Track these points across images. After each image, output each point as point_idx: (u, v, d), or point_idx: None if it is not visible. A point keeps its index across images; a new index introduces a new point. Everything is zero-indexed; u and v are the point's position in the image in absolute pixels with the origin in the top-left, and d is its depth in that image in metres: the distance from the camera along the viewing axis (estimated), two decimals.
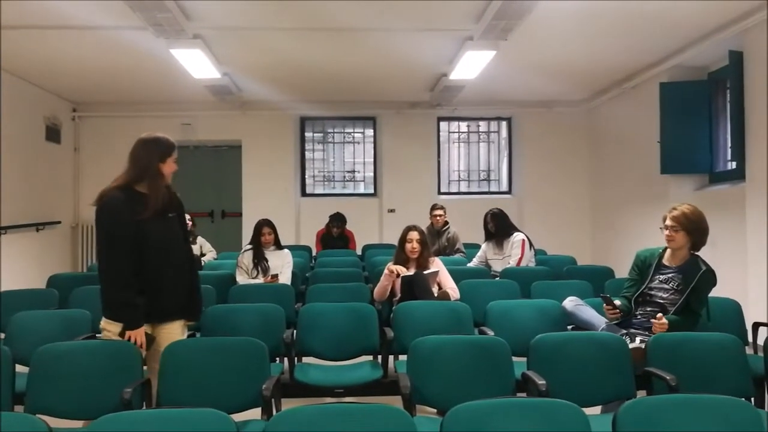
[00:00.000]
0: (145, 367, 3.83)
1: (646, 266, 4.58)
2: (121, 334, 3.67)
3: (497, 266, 7.29)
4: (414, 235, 5.80)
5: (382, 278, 5.67)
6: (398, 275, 5.55)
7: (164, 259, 3.77)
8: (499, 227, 7.52)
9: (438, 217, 8.45)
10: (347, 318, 5.05)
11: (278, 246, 6.87)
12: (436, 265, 5.86)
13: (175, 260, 3.86)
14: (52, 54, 7.99)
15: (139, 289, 3.67)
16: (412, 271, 5.62)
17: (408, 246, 5.77)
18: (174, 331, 3.90)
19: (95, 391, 3.57)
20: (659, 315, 4.23)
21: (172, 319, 3.90)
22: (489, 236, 7.67)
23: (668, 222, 4.41)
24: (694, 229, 4.37)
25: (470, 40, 7.39)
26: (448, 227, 8.48)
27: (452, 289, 5.71)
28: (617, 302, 4.51)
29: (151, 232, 3.69)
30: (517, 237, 7.38)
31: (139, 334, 3.68)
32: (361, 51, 8.10)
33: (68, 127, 10.63)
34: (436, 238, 8.31)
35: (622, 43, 7.75)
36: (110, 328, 3.70)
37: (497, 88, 10.11)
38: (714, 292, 4.50)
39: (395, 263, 5.75)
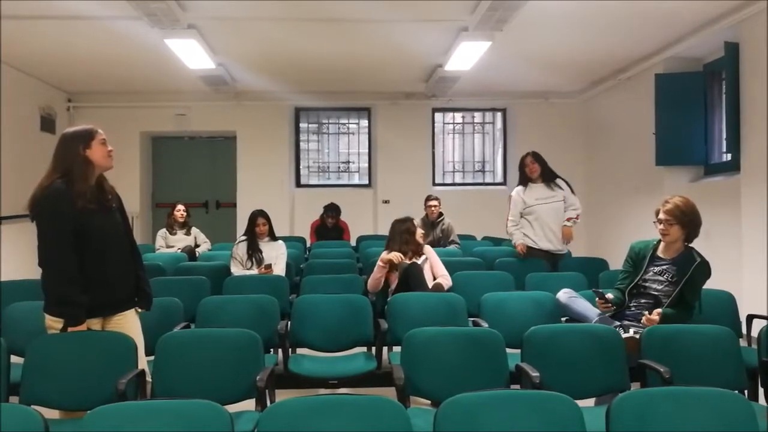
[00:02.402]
0: None
1: (640, 258, 4.58)
2: (63, 329, 3.59)
3: (545, 212, 6.73)
4: (417, 222, 5.86)
5: (375, 270, 5.67)
6: (396, 265, 5.54)
7: (108, 252, 3.67)
8: (544, 169, 6.86)
9: (433, 208, 8.45)
10: (341, 309, 5.05)
11: (273, 237, 6.86)
12: (426, 252, 5.88)
13: (119, 252, 3.76)
14: (47, 44, 7.96)
15: (83, 285, 3.55)
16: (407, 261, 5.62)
17: (418, 231, 5.84)
18: (126, 322, 3.82)
19: (90, 382, 3.55)
20: (654, 312, 4.24)
21: (121, 310, 3.81)
22: (526, 181, 6.89)
23: (662, 216, 4.41)
24: (689, 222, 4.37)
25: (465, 31, 7.39)
26: (443, 218, 8.49)
27: (444, 276, 5.75)
28: (609, 295, 4.52)
29: (93, 224, 3.59)
30: (562, 183, 6.89)
31: (81, 330, 3.60)
32: (356, 41, 8.08)
33: (63, 117, 10.56)
34: (430, 230, 8.31)
35: (618, 34, 7.75)
36: (54, 325, 3.62)
37: (492, 79, 10.11)
38: (708, 284, 4.50)
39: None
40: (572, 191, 6.88)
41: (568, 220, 6.76)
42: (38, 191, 3.56)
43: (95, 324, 3.71)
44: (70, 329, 3.58)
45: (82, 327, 3.60)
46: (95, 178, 3.68)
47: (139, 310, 3.95)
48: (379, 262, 5.63)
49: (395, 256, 5.60)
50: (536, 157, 6.86)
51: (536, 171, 6.82)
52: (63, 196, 3.51)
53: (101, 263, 3.64)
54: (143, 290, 3.94)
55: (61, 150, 3.65)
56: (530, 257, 6.75)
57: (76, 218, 3.52)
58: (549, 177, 6.85)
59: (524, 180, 6.90)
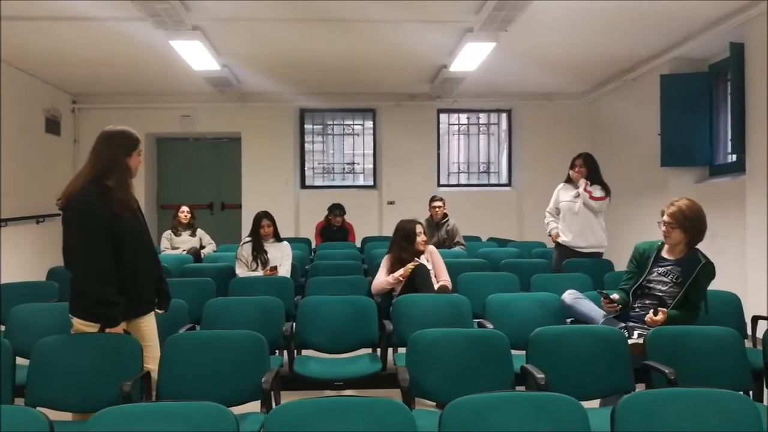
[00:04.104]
0: None
1: (644, 259, 4.58)
2: (101, 331, 3.63)
3: (568, 209, 6.79)
4: (420, 228, 5.80)
5: (388, 278, 5.61)
6: (411, 269, 5.53)
7: (137, 256, 3.73)
8: (591, 171, 6.79)
9: (437, 209, 8.42)
10: (346, 311, 5.06)
11: (277, 238, 6.87)
12: (428, 252, 5.86)
13: (146, 255, 3.82)
14: (52, 45, 7.97)
15: (119, 287, 3.60)
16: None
17: (419, 239, 5.75)
18: (148, 324, 3.88)
19: (95, 384, 3.57)
20: (659, 314, 4.24)
21: (144, 313, 3.86)
22: (570, 179, 6.93)
23: (665, 218, 4.42)
24: (691, 227, 4.36)
25: (470, 32, 7.38)
26: (448, 219, 8.47)
27: (446, 281, 5.75)
28: (615, 296, 4.51)
29: (126, 228, 3.64)
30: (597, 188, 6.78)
31: (117, 333, 3.65)
32: (361, 42, 8.09)
33: (68, 119, 10.62)
34: (435, 231, 8.30)
35: (623, 35, 7.73)
36: (83, 328, 3.65)
37: (497, 80, 10.10)
38: (713, 285, 4.50)
39: (397, 259, 5.72)
40: (600, 198, 6.69)
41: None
42: (74, 193, 3.59)
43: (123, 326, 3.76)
44: (107, 330, 3.62)
45: (119, 329, 3.64)
46: None
47: (159, 311, 4.01)
48: (397, 276, 5.58)
49: (408, 269, 5.54)
50: (586, 160, 6.83)
51: (580, 174, 6.77)
52: (99, 199, 3.56)
53: (132, 267, 3.69)
54: (164, 291, 4.01)
55: (104, 149, 3.72)
56: (561, 248, 6.87)
57: (110, 222, 3.57)
58: (592, 180, 6.79)
59: (569, 177, 6.94)
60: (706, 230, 4.42)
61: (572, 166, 6.88)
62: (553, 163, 11.17)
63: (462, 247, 8.26)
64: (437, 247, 6.80)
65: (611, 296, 4.49)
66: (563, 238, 6.81)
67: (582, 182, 6.70)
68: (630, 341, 4.08)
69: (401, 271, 5.55)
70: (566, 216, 6.82)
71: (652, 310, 4.31)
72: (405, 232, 5.79)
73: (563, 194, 6.91)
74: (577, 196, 6.71)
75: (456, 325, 4.58)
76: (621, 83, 9.73)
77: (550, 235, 7.03)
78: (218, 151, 11.73)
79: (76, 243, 3.60)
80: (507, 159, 11.92)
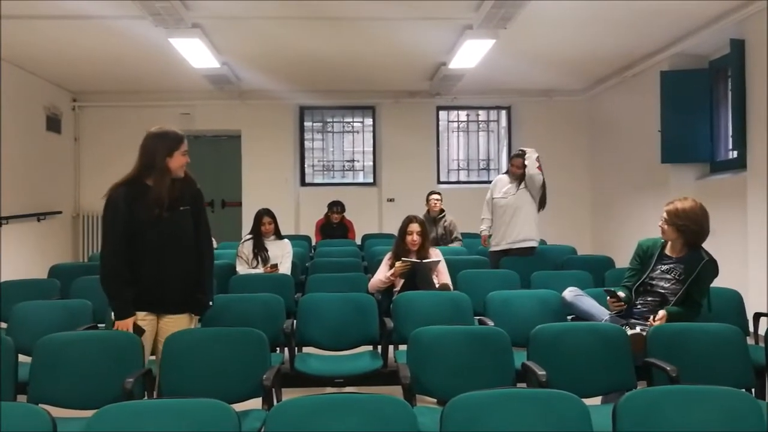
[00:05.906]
0: (152, 357, 3.88)
1: (647, 256, 4.56)
2: (113, 323, 3.73)
3: (498, 208, 7.10)
4: (414, 227, 5.75)
5: (383, 277, 5.64)
6: (404, 267, 5.51)
7: (164, 255, 3.78)
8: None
9: (435, 202, 8.41)
10: (347, 308, 5.07)
11: (278, 236, 6.86)
12: (436, 255, 5.85)
13: (178, 255, 3.84)
14: (52, 44, 7.97)
15: (130, 281, 3.69)
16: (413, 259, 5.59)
17: (408, 238, 5.73)
18: (178, 324, 3.90)
19: (97, 381, 3.58)
20: (659, 315, 4.23)
21: (174, 312, 3.90)
22: (507, 172, 7.27)
23: (663, 214, 4.42)
24: (684, 226, 4.33)
25: (470, 29, 7.38)
26: (444, 215, 8.46)
27: (448, 281, 5.72)
28: (621, 294, 4.48)
29: (152, 227, 3.71)
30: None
31: (125, 325, 3.70)
32: (361, 40, 8.08)
33: (68, 116, 10.60)
34: (432, 226, 8.27)
35: (623, 31, 7.73)
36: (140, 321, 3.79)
37: (497, 77, 10.09)
38: (715, 282, 4.49)
39: (395, 255, 5.72)
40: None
41: None
42: (108, 193, 3.75)
43: (150, 319, 3.82)
44: (118, 323, 3.70)
45: (127, 322, 3.70)
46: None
47: (194, 315, 4.07)
48: (389, 275, 5.57)
49: (397, 270, 5.53)
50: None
51: (520, 170, 6.99)
52: (124, 200, 3.70)
53: (155, 263, 3.77)
54: (196, 295, 4.00)
55: (147, 149, 3.86)
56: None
57: (132, 223, 3.69)
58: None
59: (507, 172, 7.24)
60: (704, 233, 4.37)
61: (511, 164, 7.11)
62: (553, 159, 11.19)
63: (459, 242, 8.26)
64: (435, 244, 6.80)
65: (618, 294, 4.46)
66: (493, 246, 7.08)
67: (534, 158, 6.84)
68: (631, 332, 4.09)
69: (391, 270, 5.56)
70: (496, 212, 7.08)
71: (652, 317, 4.30)
72: (400, 228, 5.82)
73: (496, 190, 7.14)
74: (507, 192, 6.97)
75: (457, 323, 4.56)
76: (621, 80, 9.73)
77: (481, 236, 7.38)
78: (218, 148, 11.70)
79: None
80: (507, 156, 11.89)
